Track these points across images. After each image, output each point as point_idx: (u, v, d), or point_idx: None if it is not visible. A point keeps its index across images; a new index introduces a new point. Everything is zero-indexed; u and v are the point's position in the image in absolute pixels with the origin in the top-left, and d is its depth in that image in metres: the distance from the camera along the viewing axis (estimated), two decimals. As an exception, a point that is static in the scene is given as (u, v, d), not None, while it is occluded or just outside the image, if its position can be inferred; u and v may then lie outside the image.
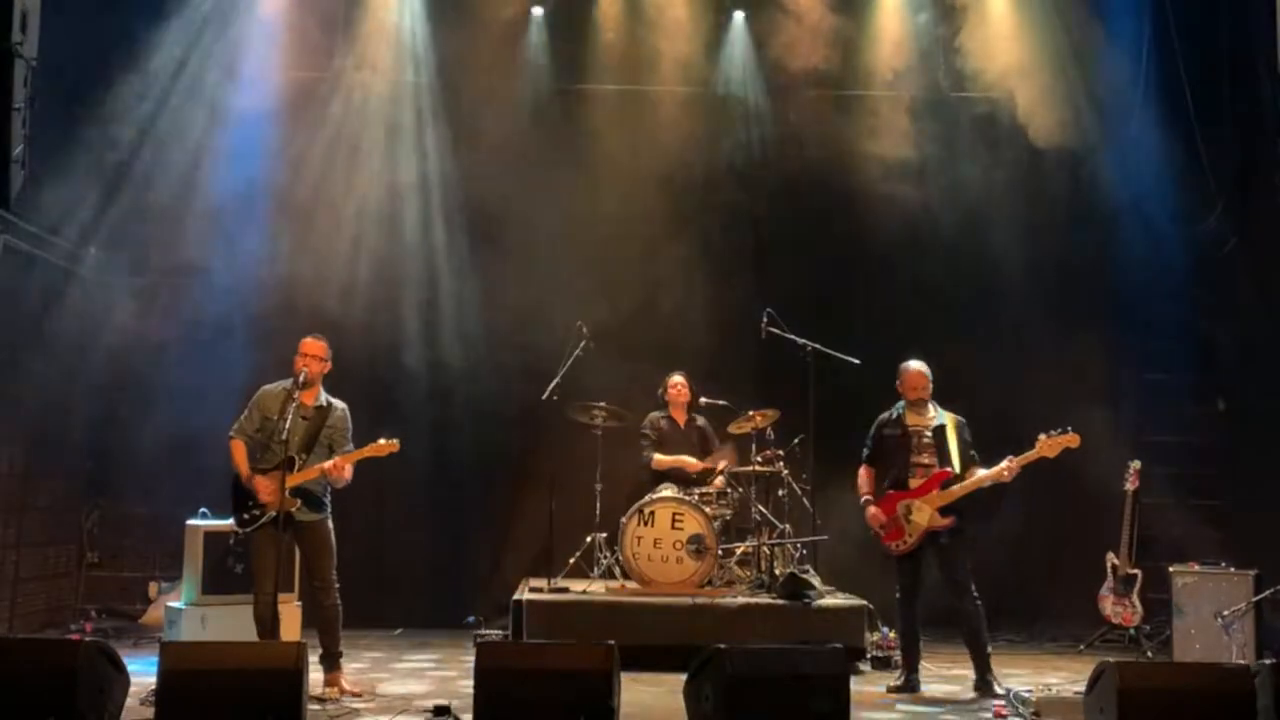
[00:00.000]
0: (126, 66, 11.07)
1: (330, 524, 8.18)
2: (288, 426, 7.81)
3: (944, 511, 8.42)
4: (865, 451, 8.93)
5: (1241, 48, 11.15)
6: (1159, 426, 11.61)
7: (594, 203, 11.85)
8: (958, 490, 8.42)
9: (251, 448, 8.12)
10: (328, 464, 7.92)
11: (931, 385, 8.76)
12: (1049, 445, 8.24)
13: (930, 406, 8.74)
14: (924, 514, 8.44)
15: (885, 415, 8.87)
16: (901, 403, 8.81)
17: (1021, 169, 11.66)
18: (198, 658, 6.46)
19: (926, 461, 8.60)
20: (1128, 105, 11.65)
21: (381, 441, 8.03)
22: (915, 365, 8.81)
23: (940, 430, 8.62)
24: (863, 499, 8.81)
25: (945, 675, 9.23)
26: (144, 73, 11.12)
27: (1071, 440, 8.24)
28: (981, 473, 8.41)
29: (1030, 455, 8.28)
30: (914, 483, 8.57)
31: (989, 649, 8.47)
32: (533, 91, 12.08)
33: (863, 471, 8.90)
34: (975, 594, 8.45)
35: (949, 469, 8.48)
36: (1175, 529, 11.09)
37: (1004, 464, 8.31)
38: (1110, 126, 11.63)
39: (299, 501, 7.92)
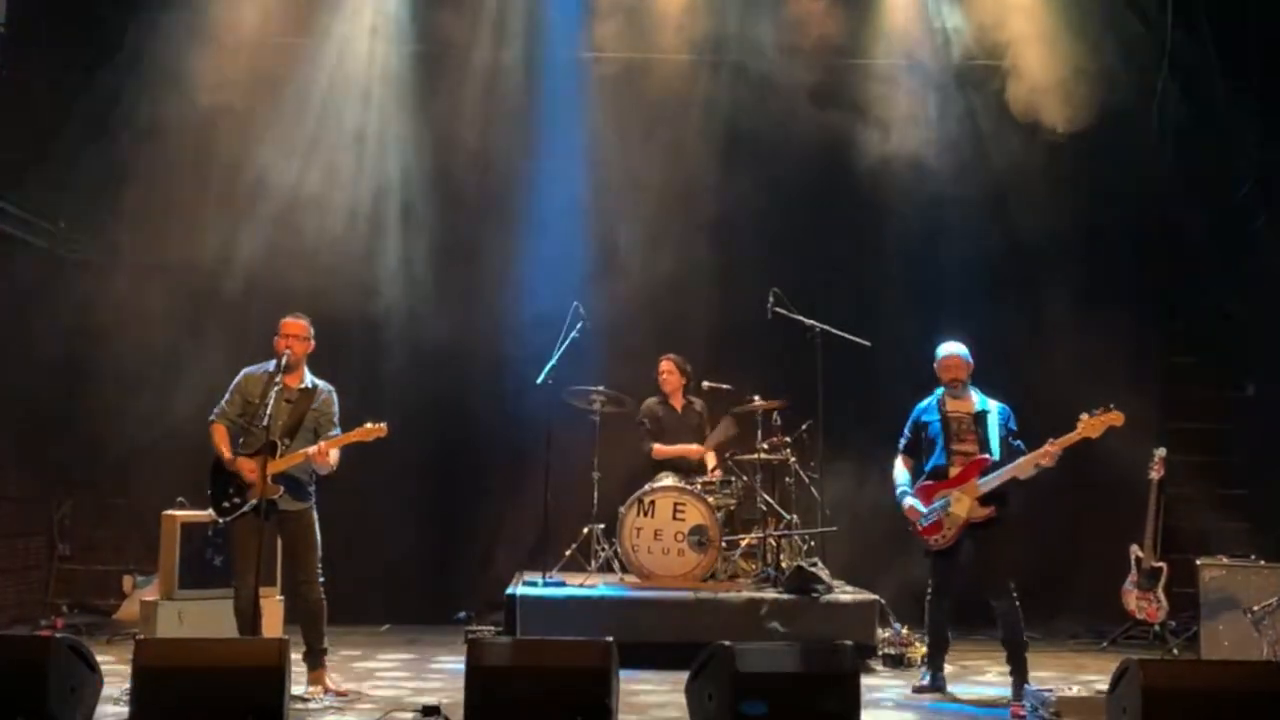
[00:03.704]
0: (104, 37, 11.04)
1: (315, 514, 8.16)
2: (269, 410, 7.79)
3: (984, 501, 8.27)
4: (902, 441, 8.76)
5: (1271, 19, 11.10)
6: (1185, 412, 11.59)
7: (593, 177, 11.83)
8: (995, 478, 8.24)
9: (233, 433, 8.09)
10: (311, 449, 7.90)
11: (970, 368, 8.58)
12: (1091, 425, 8.04)
13: (971, 392, 8.55)
14: (963, 505, 8.29)
15: (923, 402, 8.71)
16: (940, 389, 8.64)
17: (1042, 145, 11.58)
18: (174, 655, 6.44)
19: (967, 449, 8.41)
20: (1152, 79, 11.60)
21: (368, 425, 8.00)
22: (949, 347, 8.65)
23: (981, 416, 8.45)
24: (898, 491, 8.64)
25: (964, 673, 9.23)
26: (122, 45, 11.08)
27: (1115, 418, 8.03)
28: (1021, 459, 8.24)
29: (1071, 437, 8.07)
30: (953, 472, 8.41)
31: (1026, 653, 8.33)
32: (530, 59, 12.02)
33: (899, 462, 8.75)
34: (1015, 594, 8.26)
35: (988, 456, 8.32)
36: (1202, 520, 11.08)
37: (1044, 448, 8.10)
38: (1134, 101, 11.57)
39: (281, 489, 7.90)
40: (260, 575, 7.82)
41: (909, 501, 8.55)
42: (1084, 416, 8.09)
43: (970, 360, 8.63)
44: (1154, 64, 11.57)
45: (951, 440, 8.48)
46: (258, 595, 7.80)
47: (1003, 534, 8.35)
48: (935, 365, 8.68)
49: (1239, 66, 11.28)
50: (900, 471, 8.74)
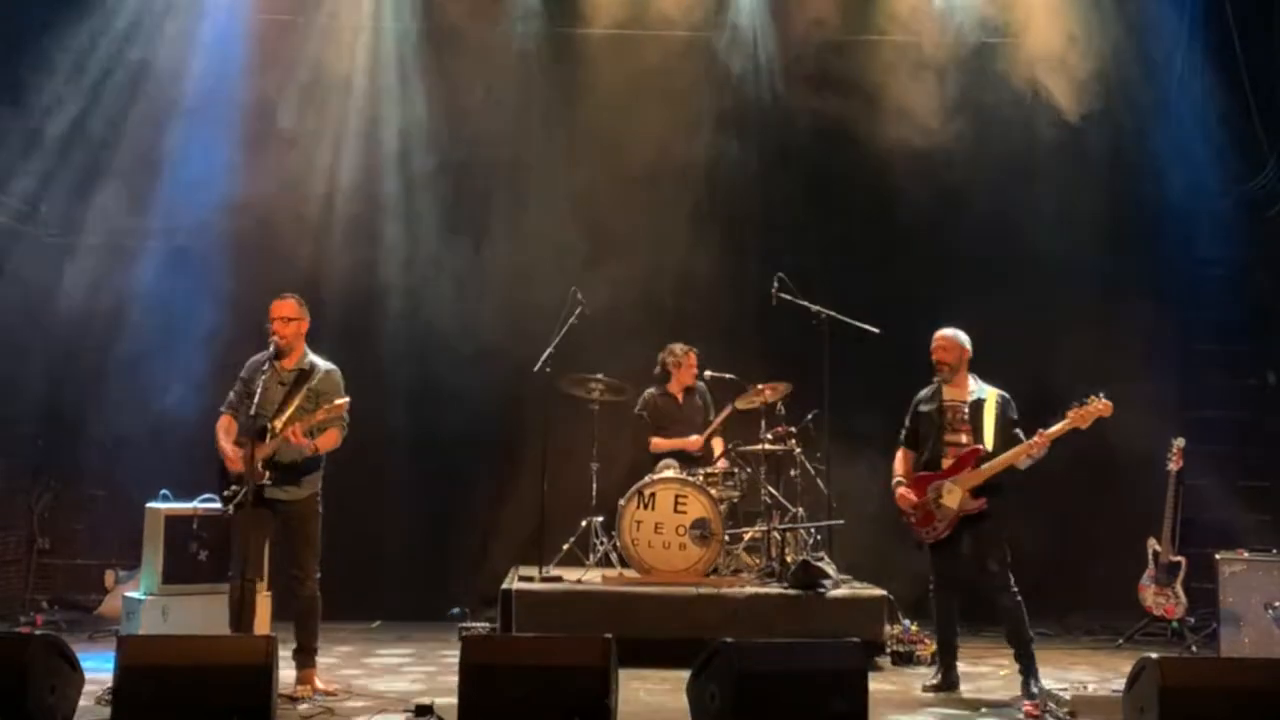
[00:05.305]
0: (77, 9, 11.02)
1: (318, 506, 8.16)
2: (257, 400, 7.79)
3: (976, 493, 8.27)
4: (902, 432, 8.78)
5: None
6: (1205, 401, 11.58)
7: (590, 157, 11.80)
8: (988, 469, 8.24)
9: (241, 424, 8.10)
10: (285, 430, 7.87)
11: (966, 354, 8.56)
12: (1079, 416, 8.06)
13: (970, 380, 8.55)
14: (955, 496, 8.28)
15: (924, 391, 8.72)
16: (938, 376, 8.65)
17: (1057, 125, 11.55)
18: (158, 652, 6.46)
19: (962, 440, 8.41)
20: (1172, 57, 11.58)
21: (337, 401, 7.98)
22: (943, 331, 8.64)
23: (978, 405, 8.44)
24: (893, 481, 8.67)
25: (975, 671, 9.23)
26: (95, 17, 11.04)
27: (1103, 409, 8.06)
28: (1011, 451, 8.24)
29: (1059, 428, 8.10)
30: (946, 463, 8.42)
31: (1033, 648, 8.31)
32: (523, 35, 11.99)
33: (899, 454, 8.76)
34: (1014, 588, 8.26)
35: (981, 446, 8.32)
36: (1222, 513, 11.06)
37: (1033, 439, 8.14)
38: (1153, 80, 11.55)
39: (267, 474, 7.89)
40: (255, 567, 7.86)
41: (900, 490, 8.58)
42: (1075, 405, 8.12)
43: (962, 344, 8.58)
44: (1172, 41, 11.54)
45: (945, 430, 8.50)
46: (254, 588, 7.85)
47: (997, 528, 8.34)
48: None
49: (1262, 45, 11.25)
50: (899, 463, 8.75)
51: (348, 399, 7.99)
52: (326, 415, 7.92)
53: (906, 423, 8.77)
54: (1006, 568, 8.33)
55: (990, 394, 8.52)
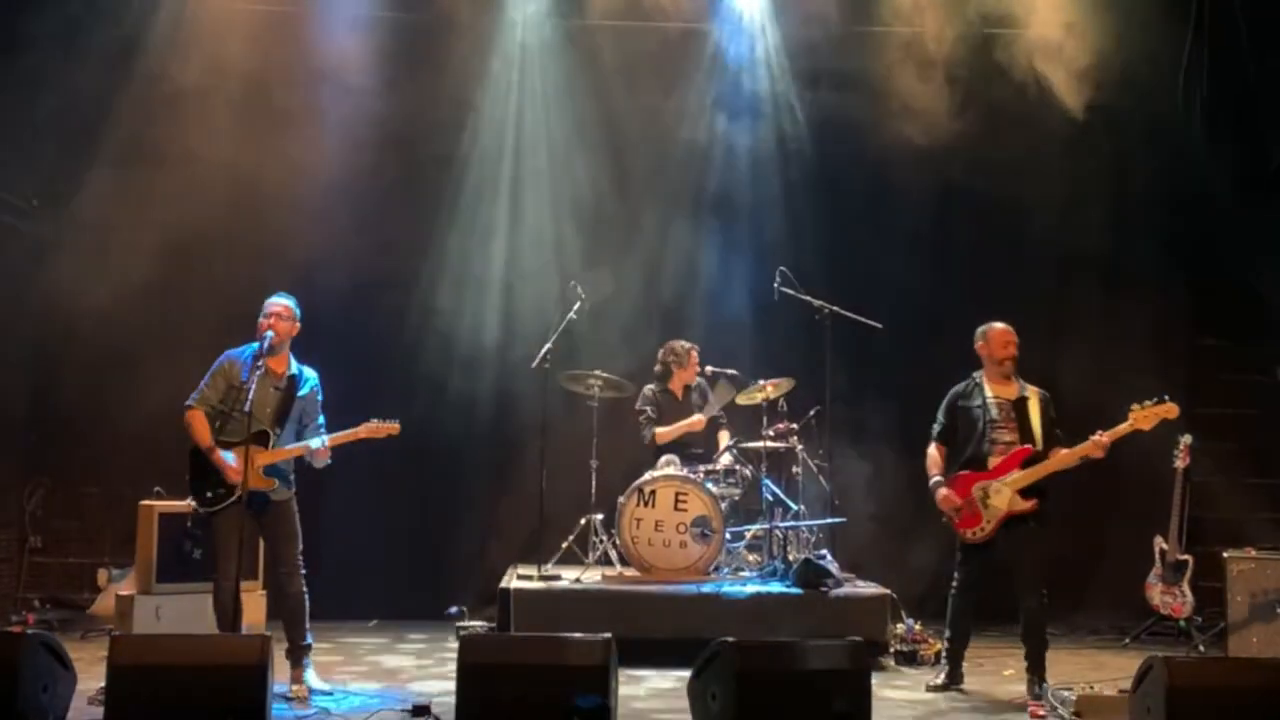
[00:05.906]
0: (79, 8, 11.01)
1: (295, 502, 8.17)
2: (252, 397, 7.72)
3: (1025, 494, 8.21)
4: (936, 427, 8.69)
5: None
6: (1212, 398, 11.55)
7: (589, 151, 11.79)
8: (1041, 470, 8.21)
9: (212, 419, 8.03)
10: (315, 443, 7.88)
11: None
12: (1143, 417, 8.02)
13: (1014, 377, 8.52)
14: (1003, 497, 8.23)
15: (961, 386, 8.64)
16: (979, 373, 8.60)
17: (1060, 119, 11.51)
18: (152, 652, 6.43)
19: (1007, 438, 8.36)
20: (1177, 45, 11.55)
21: (375, 422, 8.01)
22: (1001, 324, 8.60)
23: (1022, 403, 8.40)
24: (932, 480, 8.57)
25: (980, 670, 9.21)
26: (98, 15, 11.04)
27: (1169, 410, 8.01)
28: (1066, 451, 8.21)
29: (1122, 429, 8.06)
30: (993, 461, 8.35)
31: (1047, 652, 8.28)
32: (522, 27, 11.97)
33: (933, 449, 8.67)
34: (1044, 591, 8.24)
35: (1030, 445, 8.29)
36: (1230, 510, 11.07)
37: (1093, 439, 8.09)
38: (1158, 70, 11.52)
39: (275, 482, 7.89)
40: (242, 568, 7.84)
41: (943, 492, 8.47)
42: (1135, 408, 8.06)
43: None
44: (1179, 31, 11.51)
45: (992, 428, 8.42)
46: (239, 589, 7.81)
47: (1039, 529, 8.30)
48: (983, 344, 8.61)
49: (1269, 32, 11.21)
50: (934, 460, 8.66)
51: (397, 423, 8.07)
52: (369, 434, 8.00)
53: (942, 419, 8.68)
54: (1042, 569, 8.30)
55: (1033, 392, 8.48)
